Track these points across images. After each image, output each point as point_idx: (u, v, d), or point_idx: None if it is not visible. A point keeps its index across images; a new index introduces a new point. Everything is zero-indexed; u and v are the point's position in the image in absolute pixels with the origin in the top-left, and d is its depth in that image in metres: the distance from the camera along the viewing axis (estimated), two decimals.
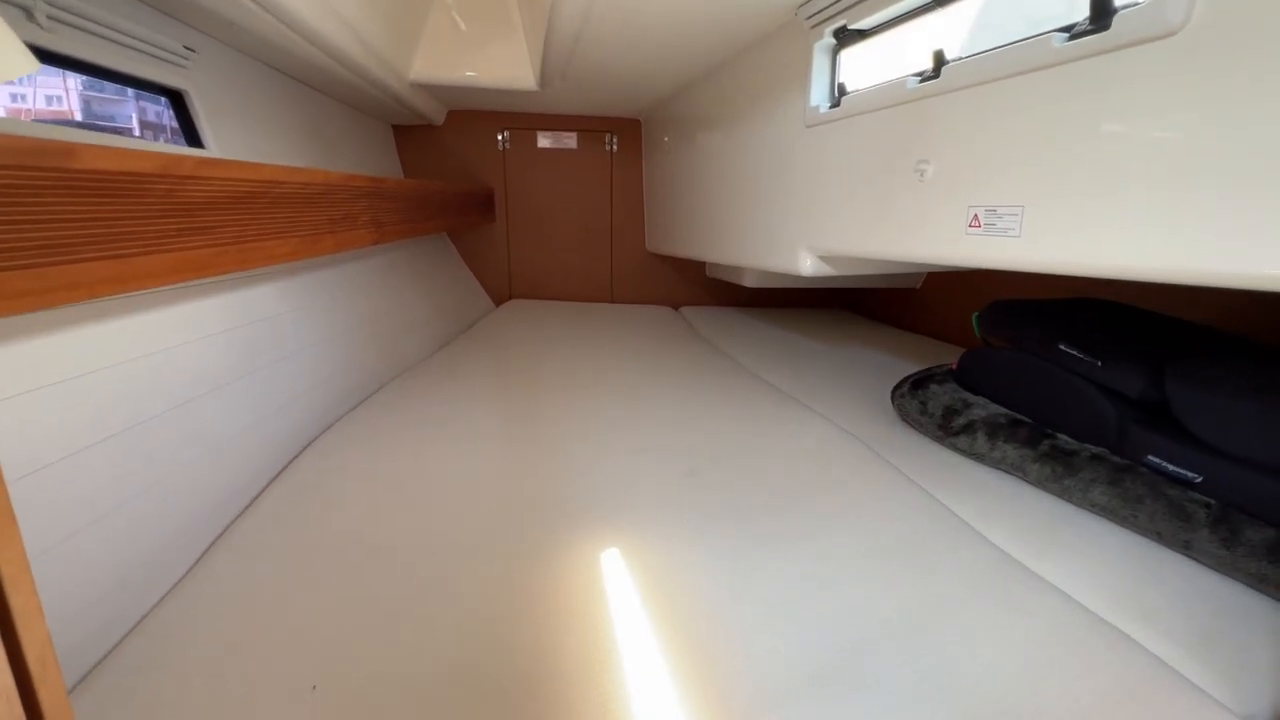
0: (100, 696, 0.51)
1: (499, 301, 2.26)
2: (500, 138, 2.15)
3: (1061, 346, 0.90)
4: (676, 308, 2.32)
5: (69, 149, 0.45)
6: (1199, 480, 0.72)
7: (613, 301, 2.36)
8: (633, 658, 0.56)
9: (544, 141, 2.18)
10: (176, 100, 1.03)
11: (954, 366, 1.13)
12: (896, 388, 1.16)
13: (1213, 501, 0.70)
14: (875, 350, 1.71)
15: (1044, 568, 0.69)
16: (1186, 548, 0.69)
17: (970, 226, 0.73)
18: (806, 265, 1.13)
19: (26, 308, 0.41)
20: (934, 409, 1.05)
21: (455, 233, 2.19)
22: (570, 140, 2.18)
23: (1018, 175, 0.68)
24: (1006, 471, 0.91)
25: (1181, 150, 0.52)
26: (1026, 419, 0.94)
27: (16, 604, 0.23)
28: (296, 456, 0.96)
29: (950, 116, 0.77)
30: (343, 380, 1.19)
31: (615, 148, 2.20)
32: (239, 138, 1.10)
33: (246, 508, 0.81)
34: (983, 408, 1.00)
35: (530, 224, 2.25)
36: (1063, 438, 0.88)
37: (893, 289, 2.11)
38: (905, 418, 1.11)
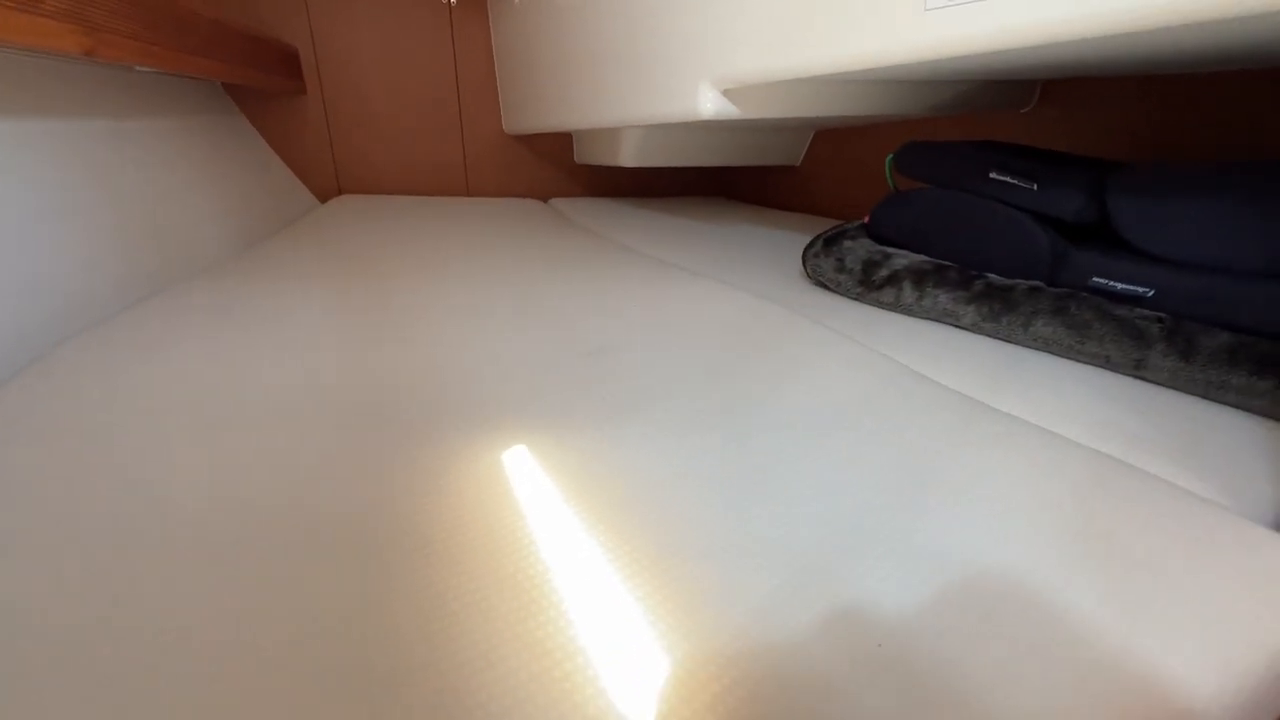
0: None
1: (324, 198, 1.85)
2: None
3: (993, 175, 0.82)
4: (545, 200, 2.06)
5: None
6: (1150, 295, 0.68)
7: (469, 195, 2.03)
8: (562, 571, 0.39)
9: None
10: None
11: (866, 220, 1.04)
12: (808, 248, 1.05)
13: (1165, 315, 0.66)
14: (766, 227, 1.61)
15: (1011, 406, 0.62)
16: (1138, 367, 0.65)
17: None
18: (708, 105, 0.94)
19: None
20: (852, 264, 0.96)
21: (247, 100, 1.70)
22: None
23: None
24: (938, 320, 0.84)
25: None
26: (952, 264, 0.87)
27: None
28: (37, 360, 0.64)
29: None
30: (94, 273, 0.84)
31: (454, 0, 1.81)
32: None
33: None
34: (905, 257, 0.92)
35: (355, 100, 1.81)
36: (994, 276, 0.82)
37: (770, 168, 2.01)
38: (821, 278, 1.01)
